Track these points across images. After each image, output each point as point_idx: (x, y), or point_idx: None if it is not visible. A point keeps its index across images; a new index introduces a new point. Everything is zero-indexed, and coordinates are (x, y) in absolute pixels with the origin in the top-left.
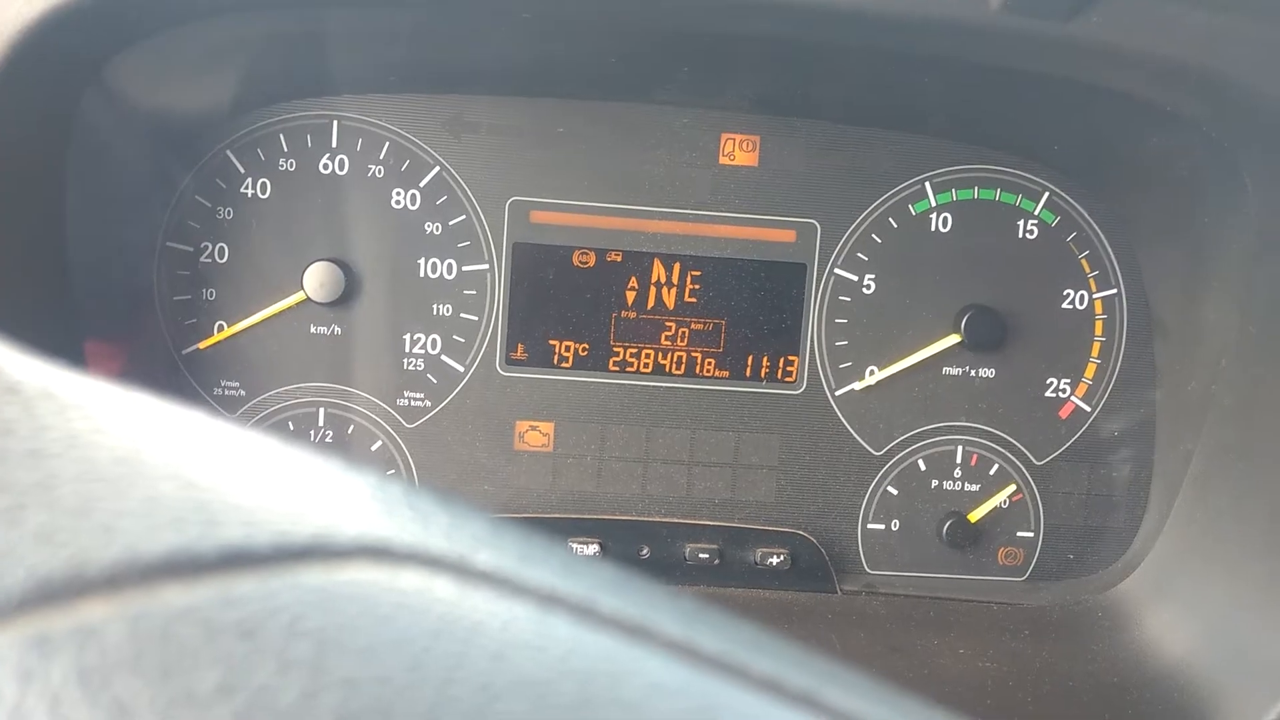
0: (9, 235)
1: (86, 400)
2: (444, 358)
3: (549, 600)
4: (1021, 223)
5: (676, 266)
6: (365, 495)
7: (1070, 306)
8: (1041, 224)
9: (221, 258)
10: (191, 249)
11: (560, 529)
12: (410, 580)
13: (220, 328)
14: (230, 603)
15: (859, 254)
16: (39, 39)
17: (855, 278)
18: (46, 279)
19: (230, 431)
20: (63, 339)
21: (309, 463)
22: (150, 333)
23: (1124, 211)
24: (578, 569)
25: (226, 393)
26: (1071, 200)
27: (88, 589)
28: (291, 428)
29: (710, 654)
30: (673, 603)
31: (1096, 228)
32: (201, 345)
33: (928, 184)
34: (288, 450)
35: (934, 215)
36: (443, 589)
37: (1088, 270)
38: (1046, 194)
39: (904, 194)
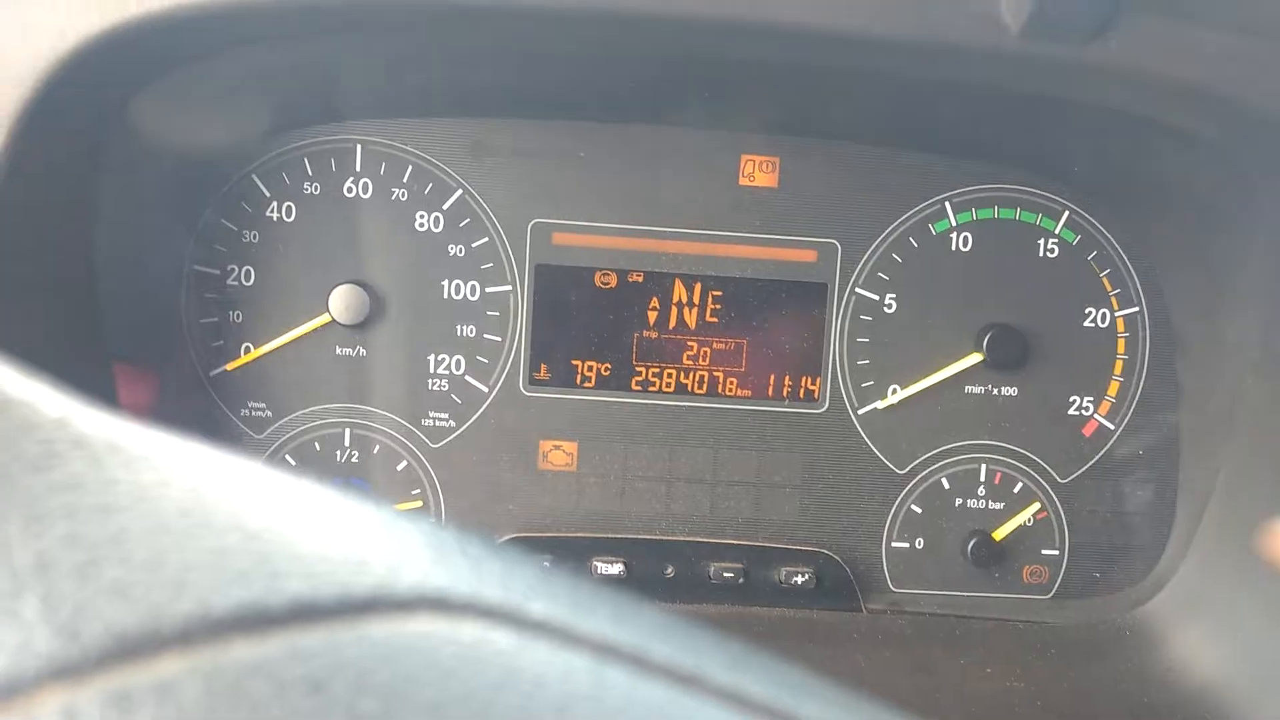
0: (39, 263)
1: (151, 452)
2: (468, 378)
3: (603, 650)
4: (1042, 241)
5: (698, 287)
6: (420, 543)
7: (1092, 325)
8: (1062, 243)
9: (248, 280)
10: (218, 272)
11: (585, 548)
12: (469, 631)
13: (247, 349)
14: (298, 657)
15: (880, 273)
16: (71, 71)
17: (877, 297)
18: (76, 306)
19: (288, 481)
20: (93, 363)
21: (364, 511)
22: (178, 355)
23: (1144, 231)
24: (629, 616)
25: (254, 414)
26: (1092, 219)
27: (163, 644)
28: (318, 448)
29: (761, 702)
30: (723, 648)
31: (1117, 246)
32: (229, 367)
33: (948, 203)
34: (344, 499)
35: (954, 235)
36: (502, 640)
37: (1109, 289)
38: (1067, 213)
39: (924, 213)
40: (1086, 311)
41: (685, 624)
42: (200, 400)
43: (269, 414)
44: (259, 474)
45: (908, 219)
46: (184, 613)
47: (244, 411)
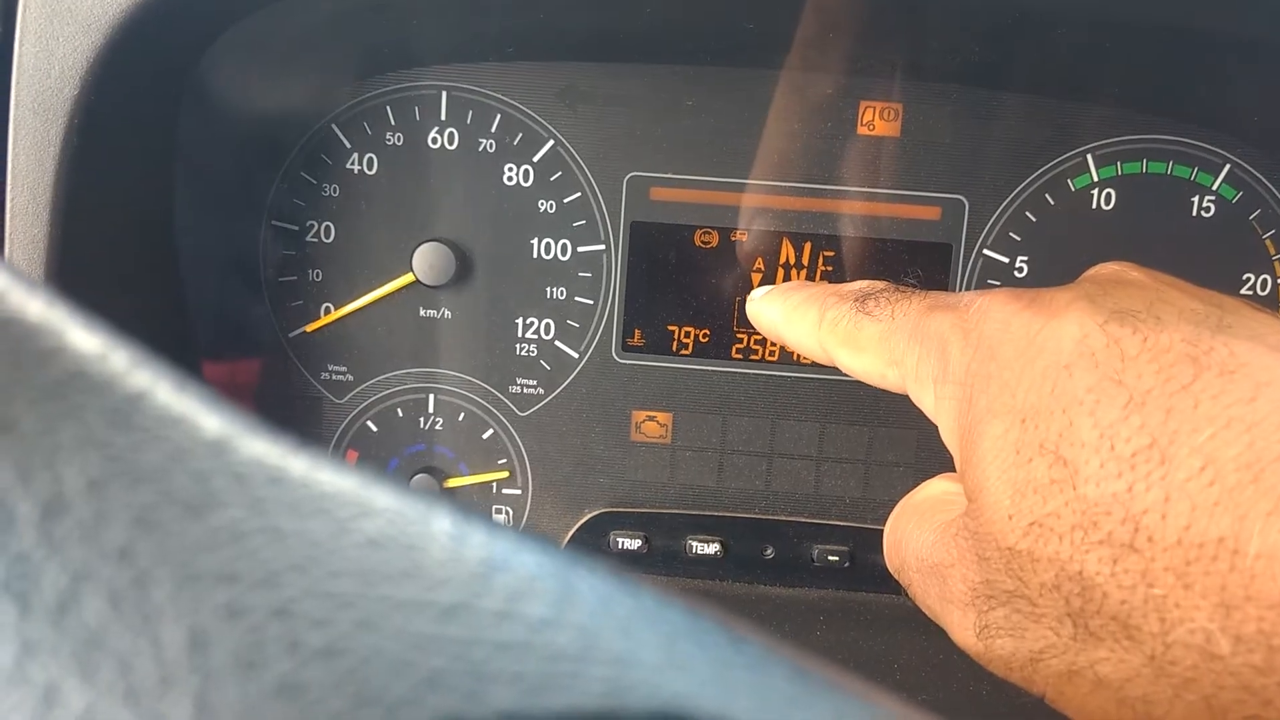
0: (122, 216)
1: (319, 491)
2: (558, 343)
3: None
4: (1196, 199)
5: (807, 247)
6: (645, 623)
7: (1250, 293)
8: (1220, 200)
9: (328, 237)
10: (297, 228)
11: (679, 525)
12: None
13: (327, 310)
14: None
15: (1011, 234)
16: (144, 17)
17: (1006, 260)
18: (158, 264)
19: (480, 527)
20: (175, 324)
21: (568, 571)
22: (258, 315)
23: None
24: None
25: (334, 377)
26: (1257, 174)
27: None
28: (401, 414)
29: None
30: None
31: None
32: (308, 328)
33: (1089, 156)
34: (540, 552)
35: (1096, 191)
36: None
37: (1273, 252)
38: (1228, 167)
39: (1062, 167)
40: (1245, 278)
41: None
42: (279, 363)
43: (350, 378)
44: (447, 521)
45: (1044, 173)
46: None
47: (324, 375)
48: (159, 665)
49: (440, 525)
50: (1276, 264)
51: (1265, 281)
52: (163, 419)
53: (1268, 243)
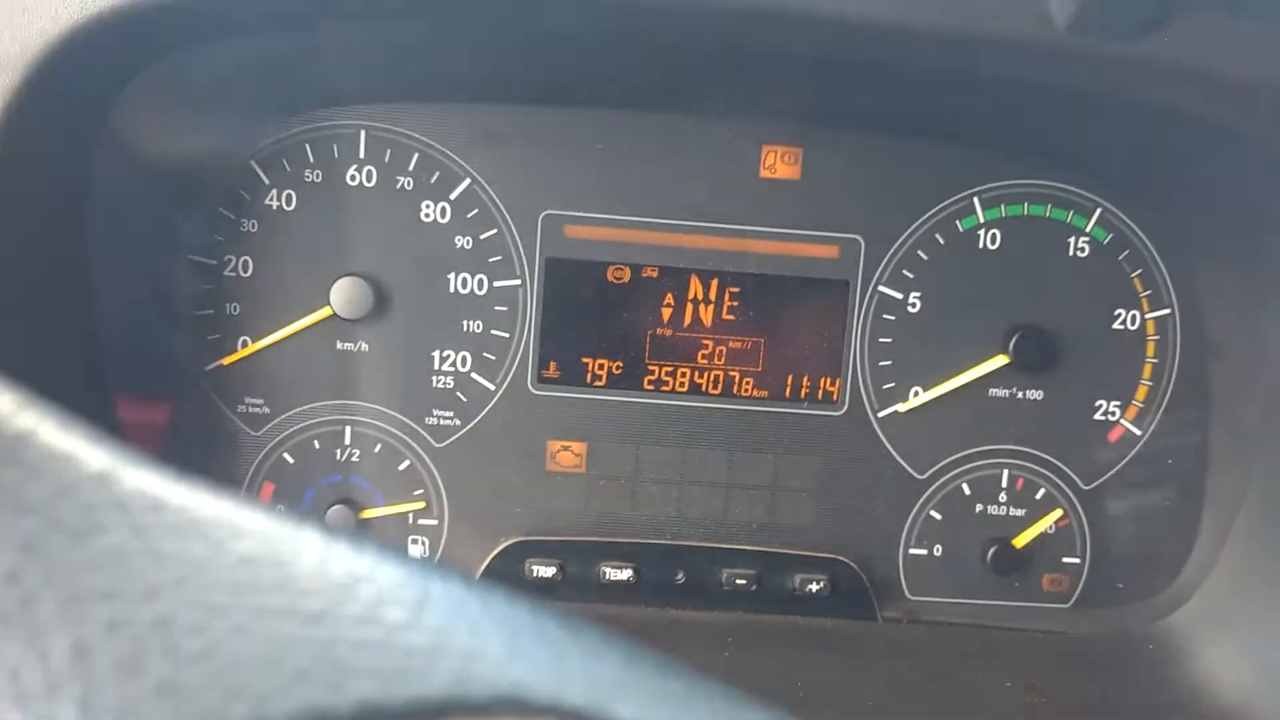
0: (32, 250)
1: (198, 517)
2: (474, 375)
3: None
4: (1072, 240)
5: (715, 283)
6: (492, 624)
7: (1121, 327)
8: (1093, 241)
9: (246, 271)
10: (215, 262)
11: (593, 553)
12: None
13: (244, 343)
14: None
15: (904, 271)
16: (63, 57)
17: (900, 296)
18: (68, 297)
19: (345, 546)
20: (86, 357)
21: (425, 581)
22: (173, 348)
23: (1180, 230)
24: (732, 713)
25: (250, 410)
26: (1124, 218)
27: None
28: (317, 446)
29: None
30: None
31: (1150, 246)
32: (225, 361)
33: (976, 199)
34: (401, 565)
35: (982, 232)
36: None
37: (1140, 290)
38: (1099, 210)
39: (951, 209)
40: (1116, 313)
41: None
42: (195, 395)
43: (267, 410)
44: (315, 540)
45: (934, 215)
46: None
47: (240, 408)
48: (45, 673)
49: (308, 543)
50: (1143, 300)
51: (1134, 317)
52: (48, 455)
53: (1135, 281)
